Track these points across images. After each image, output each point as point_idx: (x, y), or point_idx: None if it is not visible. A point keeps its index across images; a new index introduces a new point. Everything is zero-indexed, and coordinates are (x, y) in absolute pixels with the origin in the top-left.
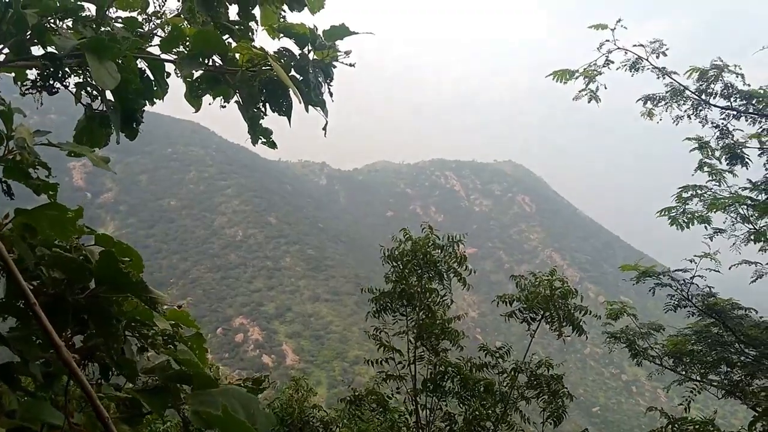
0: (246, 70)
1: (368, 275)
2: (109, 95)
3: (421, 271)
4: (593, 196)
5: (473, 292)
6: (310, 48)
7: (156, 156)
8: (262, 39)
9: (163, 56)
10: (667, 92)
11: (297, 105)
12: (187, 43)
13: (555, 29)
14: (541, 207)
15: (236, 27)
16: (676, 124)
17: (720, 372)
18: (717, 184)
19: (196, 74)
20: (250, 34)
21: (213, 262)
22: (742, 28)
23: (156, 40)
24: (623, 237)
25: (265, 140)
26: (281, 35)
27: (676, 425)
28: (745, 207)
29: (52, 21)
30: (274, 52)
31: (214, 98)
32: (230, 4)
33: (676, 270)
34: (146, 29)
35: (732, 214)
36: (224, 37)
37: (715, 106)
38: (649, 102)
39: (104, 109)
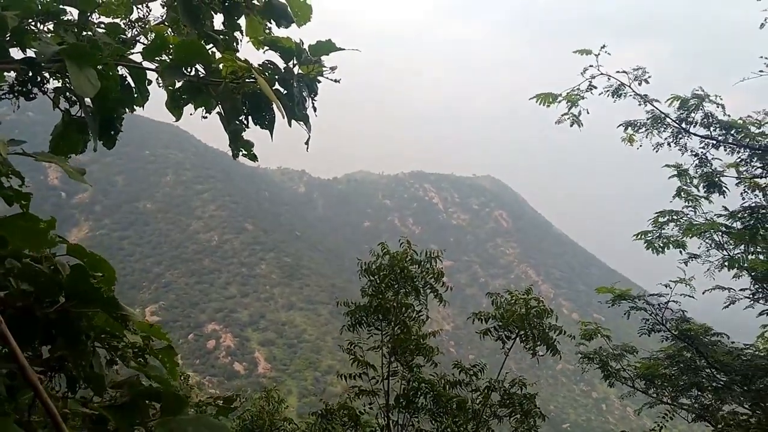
0: (229, 82)
1: (344, 285)
2: (88, 101)
3: (398, 285)
4: (570, 215)
5: (448, 306)
6: (295, 62)
7: (133, 157)
8: (247, 51)
9: (146, 64)
10: (648, 119)
11: (279, 119)
12: (170, 52)
13: (538, 47)
14: (517, 223)
15: (221, 37)
16: (657, 152)
17: (691, 396)
18: (693, 210)
19: (178, 84)
20: (234, 44)
21: (187, 266)
22: (722, 56)
23: (139, 47)
24: (599, 256)
25: (246, 153)
26: (266, 48)
27: None
28: (720, 234)
29: (33, 24)
30: (259, 65)
31: (195, 108)
32: (216, 13)
33: (651, 294)
34: (129, 36)
35: (707, 240)
36: (208, 47)
37: (695, 134)
38: (630, 128)
39: (82, 115)
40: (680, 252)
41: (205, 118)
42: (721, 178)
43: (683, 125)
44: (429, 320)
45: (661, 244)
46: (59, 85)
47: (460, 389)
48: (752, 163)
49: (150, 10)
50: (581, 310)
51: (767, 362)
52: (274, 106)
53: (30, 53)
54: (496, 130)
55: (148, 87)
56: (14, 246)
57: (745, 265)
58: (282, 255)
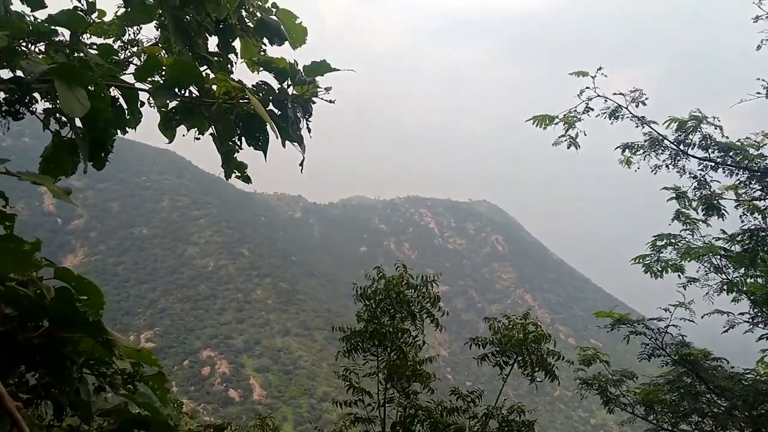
0: (222, 103)
1: (340, 311)
2: (78, 122)
3: (394, 310)
4: (566, 240)
5: (444, 331)
6: (289, 83)
7: (129, 183)
8: (242, 74)
9: (138, 85)
10: (645, 141)
11: (274, 140)
12: (163, 73)
13: (533, 69)
14: (513, 247)
15: (215, 59)
16: (655, 174)
17: (691, 422)
18: (691, 233)
19: (171, 104)
20: (229, 66)
21: (182, 292)
22: (713, 75)
23: (131, 69)
24: (595, 281)
25: (239, 174)
26: (261, 69)
27: None
28: (719, 257)
29: (24, 45)
30: (253, 86)
31: (188, 129)
32: (210, 36)
33: (651, 319)
34: (122, 57)
35: (705, 264)
36: (202, 69)
37: (693, 156)
38: (627, 150)
39: (73, 136)
40: (678, 276)
41: (198, 139)
42: (720, 200)
43: (681, 147)
44: (425, 346)
45: (660, 268)
46: (50, 106)
47: (458, 416)
48: (751, 186)
49: (139, 30)
50: (578, 335)
51: None
52: (268, 126)
53: (19, 74)
54: (490, 155)
55: (142, 110)
56: None
57: (744, 288)
58: (278, 280)
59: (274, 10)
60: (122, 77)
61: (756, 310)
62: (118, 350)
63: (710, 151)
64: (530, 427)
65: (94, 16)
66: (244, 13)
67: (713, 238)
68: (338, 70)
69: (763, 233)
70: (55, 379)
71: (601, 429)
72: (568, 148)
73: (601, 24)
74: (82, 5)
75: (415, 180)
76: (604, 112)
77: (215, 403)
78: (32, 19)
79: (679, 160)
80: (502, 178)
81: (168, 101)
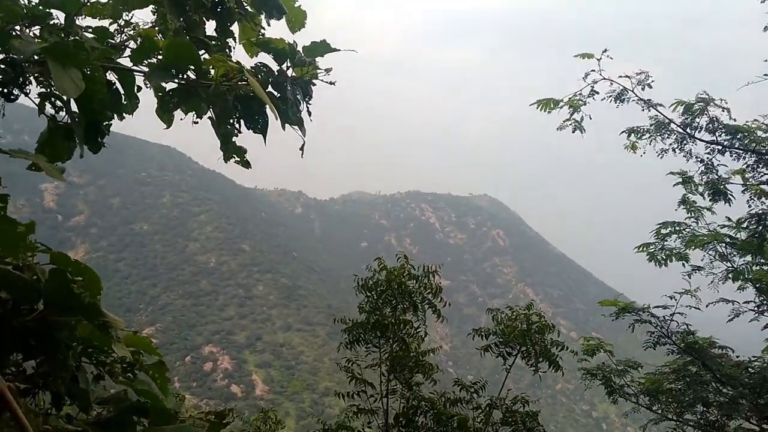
0: (220, 84)
1: (341, 306)
2: (74, 106)
3: (396, 301)
4: (567, 233)
5: (446, 325)
6: (289, 64)
7: (129, 179)
8: (240, 57)
9: (135, 69)
10: (651, 125)
11: (273, 123)
12: (159, 55)
13: (534, 63)
14: (514, 241)
15: (213, 42)
16: (661, 158)
17: (696, 411)
18: (696, 221)
19: (169, 87)
20: (227, 50)
21: (184, 288)
22: (710, 75)
23: (128, 52)
24: (596, 274)
25: (238, 159)
26: (260, 51)
27: None
28: (724, 245)
29: (18, 28)
30: (251, 67)
31: (186, 113)
32: (208, 20)
33: (656, 306)
34: (118, 40)
35: (710, 252)
36: (200, 53)
37: (700, 140)
38: (632, 135)
39: (68, 121)
40: (683, 265)
41: (196, 122)
42: (726, 185)
43: (688, 130)
44: (427, 338)
45: (664, 257)
46: (44, 90)
47: (461, 407)
48: (759, 170)
49: (132, 14)
50: (579, 328)
51: None
52: (268, 109)
53: (12, 56)
54: (491, 150)
55: (140, 107)
56: None
57: (750, 276)
58: (279, 276)
59: None
60: (119, 61)
61: (761, 298)
62: (115, 333)
63: (717, 134)
64: (534, 418)
65: None
66: None
67: (719, 226)
68: (338, 50)
69: None
70: (51, 365)
71: (603, 422)
72: (573, 132)
73: (601, 21)
74: None
75: (415, 176)
76: (610, 96)
77: (217, 399)
78: (26, 2)
79: (685, 144)
80: (502, 173)
81: (164, 81)
